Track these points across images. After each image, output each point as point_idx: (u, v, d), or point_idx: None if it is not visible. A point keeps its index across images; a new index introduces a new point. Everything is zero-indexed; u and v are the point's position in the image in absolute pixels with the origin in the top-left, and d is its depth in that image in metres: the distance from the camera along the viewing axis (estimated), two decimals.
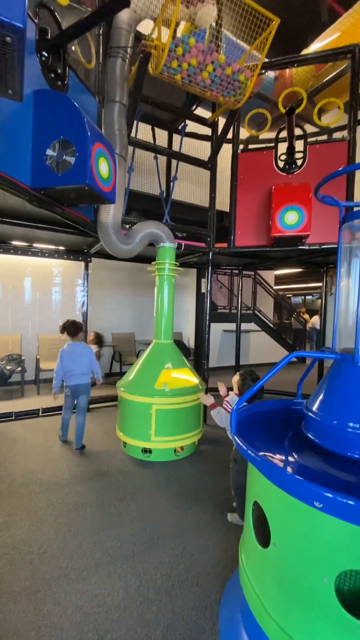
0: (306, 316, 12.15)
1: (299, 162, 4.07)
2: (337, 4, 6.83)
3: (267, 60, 4.01)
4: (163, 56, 2.95)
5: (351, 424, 1.31)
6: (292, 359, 1.51)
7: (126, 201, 3.66)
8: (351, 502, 0.97)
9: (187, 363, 3.58)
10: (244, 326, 7.26)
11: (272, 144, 4.22)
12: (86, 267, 4.90)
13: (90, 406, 4.77)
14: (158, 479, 2.86)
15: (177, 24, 3.06)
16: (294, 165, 4.07)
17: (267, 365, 8.68)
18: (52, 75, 2.48)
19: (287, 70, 4.99)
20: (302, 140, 4.10)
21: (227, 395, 2.47)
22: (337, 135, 4.60)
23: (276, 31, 3.17)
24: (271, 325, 9.21)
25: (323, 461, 1.39)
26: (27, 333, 5.81)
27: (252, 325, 8.65)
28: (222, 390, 2.55)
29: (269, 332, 9.03)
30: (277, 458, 1.45)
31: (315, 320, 11.99)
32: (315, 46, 5.14)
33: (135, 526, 2.24)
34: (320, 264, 5.45)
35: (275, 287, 10.41)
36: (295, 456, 1.47)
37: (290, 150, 4.02)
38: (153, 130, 4.55)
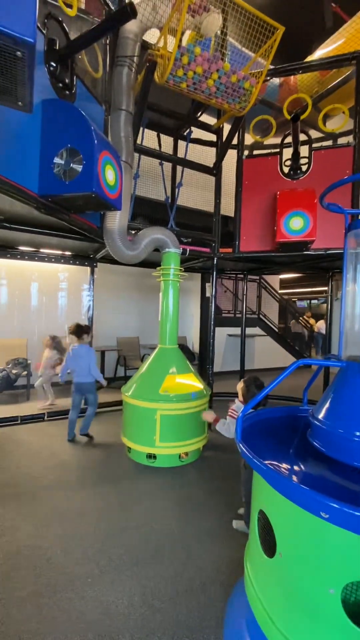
0: (312, 321, 12.08)
1: (304, 168, 4.08)
2: (342, 11, 6.87)
3: (271, 67, 4.04)
4: (169, 65, 2.99)
5: (358, 433, 1.30)
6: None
7: (132, 207, 3.69)
8: (358, 514, 0.96)
9: (191, 368, 3.58)
10: (249, 330, 7.25)
11: (277, 150, 4.24)
12: (92, 272, 4.94)
13: (95, 411, 4.78)
14: (163, 485, 2.86)
15: (183, 33, 3.10)
16: (299, 171, 4.08)
17: (272, 370, 8.64)
18: (60, 85, 2.53)
19: (292, 76, 5.02)
20: (307, 146, 4.11)
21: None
22: (342, 140, 4.61)
23: (280, 38, 3.19)
24: (276, 330, 9.18)
25: (329, 470, 1.38)
26: (33, 337, 5.85)
27: (257, 330, 8.63)
28: (209, 417, 2.45)
29: (274, 337, 8.99)
30: (283, 466, 1.44)
31: (320, 325, 11.92)
32: (320, 52, 5.17)
33: (139, 533, 2.23)
34: (326, 268, 5.43)
35: (280, 291, 10.38)
36: (301, 465, 1.46)
37: (295, 156, 4.03)
38: (159, 136, 4.60)
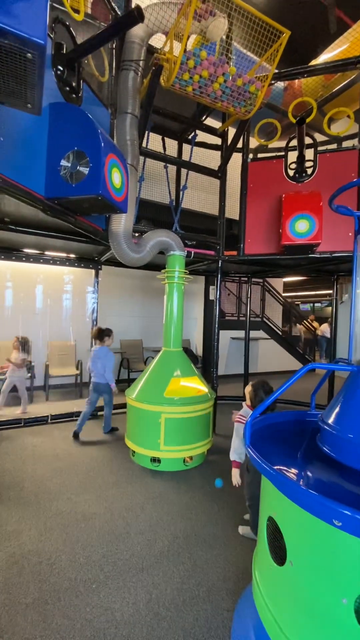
0: (315, 324, 12.03)
1: (309, 171, 4.07)
2: (346, 16, 6.89)
3: (276, 71, 4.05)
4: (175, 69, 2.99)
5: None
6: (295, 369, 1.48)
7: (137, 210, 3.70)
8: None
9: (196, 371, 3.56)
10: (253, 334, 7.22)
11: (282, 153, 4.24)
12: (96, 275, 4.94)
13: (99, 414, 4.77)
14: (167, 490, 2.83)
15: (189, 38, 3.12)
16: (304, 174, 4.07)
17: (276, 374, 8.60)
18: (67, 88, 2.54)
19: (297, 80, 5.03)
20: (312, 149, 4.11)
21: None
22: (346, 144, 4.60)
23: (285, 43, 3.20)
24: (280, 333, 9.14)
25: (340, 476, 1.35)
26: (37, 340, 5.86)
27: (260, 333, 8.59)
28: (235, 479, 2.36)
29: (277, 340, 8.95)
30: (292, 472, 1.41)
31: (324, 328, 11.87)
32: (324, 57, 5.17)
33: (144, 538, 2.20)
34: (331, 272, 5.40)
35: (284, 294, 10.35)
36: (311, 470, 1.44)
37: (301, 159, 4.03)
38: (163, 140, 4.61)
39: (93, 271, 4.95)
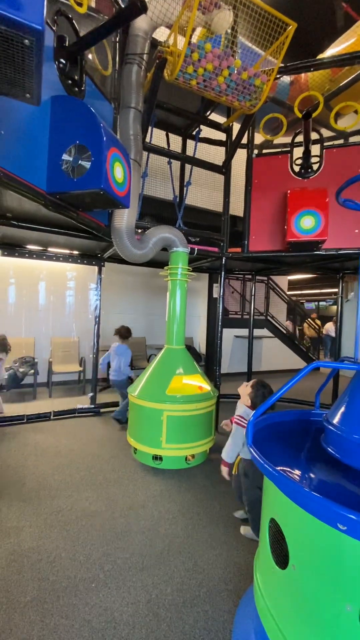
0: (317, 322, 11.93)
1: (315, 167, 4.00)
2: (353, 11, 6.77)
3: (282, 65, 3.97)
4: (179, 62, 2.94)
5: None
6: (299, 367, 1.44)
7: (140, 206, 3.66)
8: None
9: (199, 369, 3.53)
10: (256, 332, 7.16)
11: (288, 149, 4.17)
12: (99, 272, 4.91)
13: (101, 410, 4.76)
14: (168, 488, 2.81)
15: (193, 30, 3.06)
16: (309, 170, 4.01)
17: (280, 373, 8.54)
18: (70, 81, 2.50)
19: (303, 74, 4.94)
20: (319, 145, 4.03)
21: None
22: (353, 139, 4.52)
23: (291, 37, 3.13)
24: (284, 332, 9.07)
25: (345, 478, 1.31)
26: (40, 336, 5.86)
27: (264, 331, 8.53)
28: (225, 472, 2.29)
29: (281, 339, 8.89)
30: (296, 473, 1.38)
31: (329, 327, 11.76)
32: (331, 52, 5.08)
33: (145, 537, 2.18)
34: (337, 269, 5.33)
35: (288, 293, 10.27)
36: (315, 472, 1.40)
37: (307, 154, 3.96)
38: (167, 136, 4.56)
39: (96, 268, 4.92)
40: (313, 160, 4.01)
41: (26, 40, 1.05)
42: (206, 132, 4.56)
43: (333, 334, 11.54)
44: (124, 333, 4.32)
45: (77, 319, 6.26)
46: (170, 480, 2.94)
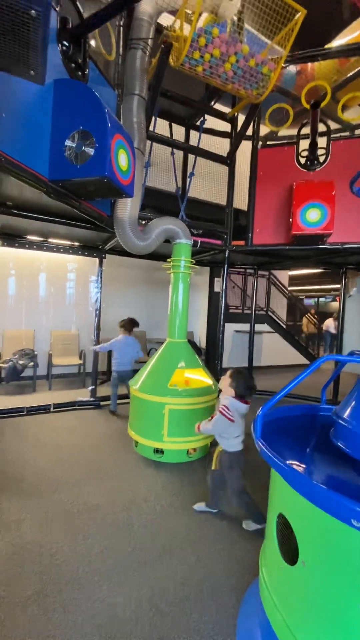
0: (315, 317, 11.91)
1: (321, 159, 3.93)
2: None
3: (290, 54, 3.89)
4: (185, 47, 2.87)
5: None
6: (299, 363, 1.41)
7: (142, 197, 3.59)
8: None
9: (200, 363, 3.49)
10: (257, 327, 7.13)
11: (294, 140, 4.10)
12: (100, 264, 4.85)
13: (101, 403, 4.73)
14: (170, 481, 2.78)
15: (200, 15, 2.97)
16: (316, 162, 3.94)
17: (280, 368, 8.53)
18: (73, 65, 2.42)
19: (309, 65, 4.84)
20: (325, 137, 3.96)
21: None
22: (358, 132, 4.44)
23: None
24: (284, 327, 9.04)
25: (357, 473, 1.28)
26: (40, 329, 5.81)
27: (265, 327, 8.50)
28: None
29: (282, 334, 8.86)
30: (306, 469, 1.34)
31: (329, 323, 11.74)
32: (338, 42, 4.97)
33: (147, 531, 2.16)
34: (340, 264, 5.28)
35: (289, 288, 10.22)
36: (326, 467, 1.36)
37: (313, 146, 3.89)
38: (170, 126, 4.47)
39: (97, 260, 4.86)
40: (319, 152, 3.94)
41: (32, 11, 0.99)
42: (209, 123, 4.47)
43: (333, 330, 11.54)
44: (132, 325, 4.35)
45: (77, 311, 6.20)
46: (172, 473, 2.92)
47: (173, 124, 4.54)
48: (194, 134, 4.54)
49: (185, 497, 2.56)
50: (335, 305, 17.83)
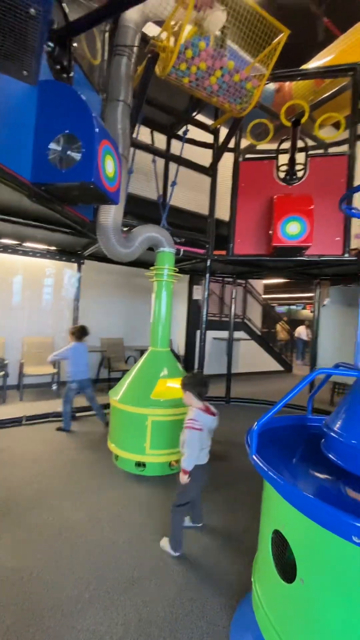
0: (285, 326, 12.28)
1: (299, 174, 4.08)
2: (334, 25, 7.05)
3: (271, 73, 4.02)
4: (172, 57, 2.88)
5: None
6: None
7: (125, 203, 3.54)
8: None
9: (183, 372, 3.46)
10: (234, 334, 7.22)
11: (273, 155, 4.23)
12: (79, 269, 4.72)
13: (78, 414, 4.56)
14: (154, 495, 2.71)
15: (186, 26, 3.00)
16: (294, 177, 4.08)
17: (256, 375, 8.67)
18: (58, 67, 2.36)
19: (287, 83, 5.05)
20: (304, 153, 4.12)
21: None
22: (333, 150, 4.67)
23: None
24: (260, 334, 9.23)
25: (349, 486, 1.30)
26: (12, 336, 5.53)
27: (241, 334, 8.63)
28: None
29: (257, 341, 9.04)
30: (300, 483, 1.35)
31: (301, 330, 12.14)
32: (313, 64, 5.23)
33: (132, 549, 2.08)
34: (315, 275, 5.48)
35: (263, 296, 10.47)
36: (319, 481, 1.37)
37: (292, 161, 4.03)
38: (152, 134, 4.46)
39: (75, 265, 4.73)
40: (298, 167, 4.09)
41: (32, 9, 0.94)
42: (191, 133, 4.51)
43: (304, 338, 11.94)
44: (83, 333, 4.10)
45: (52, 317, 5.99)
46: (155, 487, 2.85)
47: (154, 132, 4.53)
48: (175, 143, 4.56)
49: (169, 512, 2.50)
50: (305, 312, 18.51)
